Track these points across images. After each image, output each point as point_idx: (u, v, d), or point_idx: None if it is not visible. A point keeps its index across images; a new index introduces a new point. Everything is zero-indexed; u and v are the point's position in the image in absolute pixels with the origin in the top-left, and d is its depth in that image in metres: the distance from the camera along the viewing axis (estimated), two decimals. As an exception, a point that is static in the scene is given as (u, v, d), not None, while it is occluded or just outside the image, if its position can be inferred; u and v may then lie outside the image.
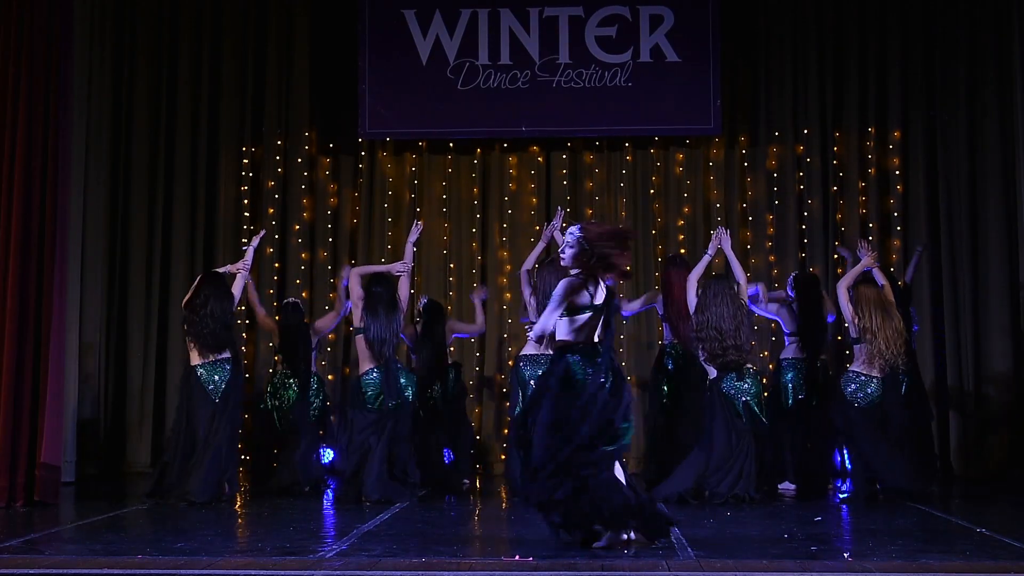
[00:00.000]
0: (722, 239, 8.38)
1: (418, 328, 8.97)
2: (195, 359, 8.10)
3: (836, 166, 10.46)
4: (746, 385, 8.10)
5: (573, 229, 5.93)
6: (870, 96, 10.45)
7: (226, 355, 8.11)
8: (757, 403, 8.10)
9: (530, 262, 8.49)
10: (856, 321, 8.11)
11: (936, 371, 10.05)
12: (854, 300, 8.13)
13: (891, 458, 7.99)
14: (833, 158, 10.46)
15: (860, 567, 5.35)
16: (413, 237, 8.54)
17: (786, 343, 8.80)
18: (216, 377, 8.08)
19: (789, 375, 8.65)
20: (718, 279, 8.23)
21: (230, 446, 8.04)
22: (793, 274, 9.13)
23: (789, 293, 8.79)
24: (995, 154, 10.09)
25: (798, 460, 8.59)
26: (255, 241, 8.52)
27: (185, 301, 8.20)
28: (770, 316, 8.87)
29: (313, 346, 9.01)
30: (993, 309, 10.03)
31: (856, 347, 8.17)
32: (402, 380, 8.16)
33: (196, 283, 8.26)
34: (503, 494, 8.65)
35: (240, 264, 8.37)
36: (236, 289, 8.27)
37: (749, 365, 8.13)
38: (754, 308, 8.56)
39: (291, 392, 8.81)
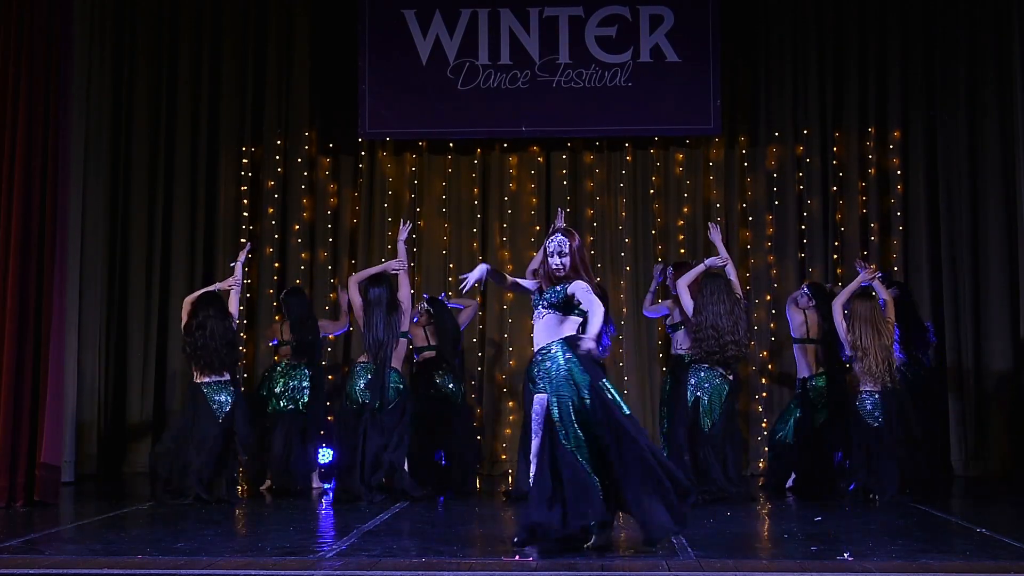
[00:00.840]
0: (713, 236, 8.50)
1: (427, 330, 8.96)
2: (198, 377, 8.14)
3: (836, 166, 10.46)
4: (708, 384, 8.08)
5: (563, 239, 5.99)
6: (870, 96, 10.45)
7: (227, 377, 8.12)
8: (707, 408, 8.06)
9: (536, 262, 8.47)
10: (849, 338, 8.08)
11: (936, 371, 10.03)
12: (848, 317, 8.10)
13: (884, 468, 8.00)
14: (833, 158, 10.45)
15: (860, 567, 5.35)
16: (403, 235, 8.54)
17: (795, 352, 8.78)
18: (220, 398, 8.09)
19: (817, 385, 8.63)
20: (713, 276, 8.23)
21: (222, 452, 8.07)
22: (809, 283, 9.09)
23: (804, 300, 8.75)
24: (995, 154, 10.09)
25: (799, 460, 8.59)
26: (242, 256, 8.52)
27: (183, 325, 8.20)
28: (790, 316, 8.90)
29: (321, 335, 9.00)
30: (993, 309, 10.03)
31: (855, 365, 8.14)
32: (392, 384, 8.16)
33: (191, 306, 8.22)
34: (504, 493, 8.62)
35: (231, 280, 8.34)
36: (232, 307, 8.24)
37: (721, 369, 8.12)
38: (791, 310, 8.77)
39: (300, 382, 8.75)
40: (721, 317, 8.01)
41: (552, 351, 5.86)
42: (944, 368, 10.06)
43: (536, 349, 5.97)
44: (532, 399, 6.13)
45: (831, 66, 10.50)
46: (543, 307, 5.94)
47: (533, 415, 6.03)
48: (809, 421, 8.50)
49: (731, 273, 8.35)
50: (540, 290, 6.01)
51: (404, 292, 8.36)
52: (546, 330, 5.93)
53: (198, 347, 8.04)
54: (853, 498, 7.98)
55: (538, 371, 5.90)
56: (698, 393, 8.10)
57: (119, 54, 10.40)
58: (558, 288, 5.92)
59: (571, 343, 5.84)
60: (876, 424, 8.03)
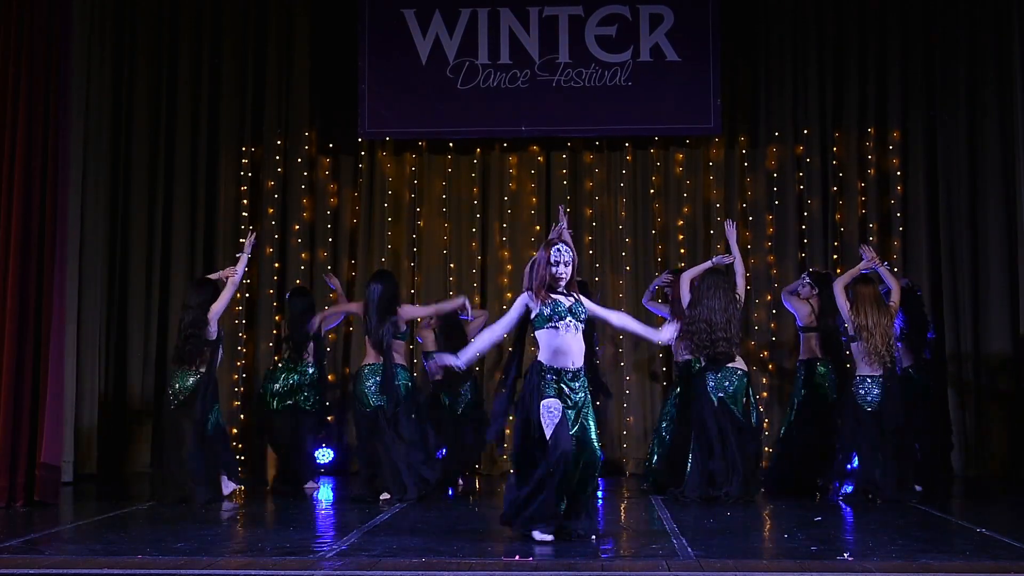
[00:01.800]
0: (728, 232, 8.53)
1: (438, 332, 8.95)
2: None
3: (836, 166, 10.45)
4: (727, 383, 8.10)
5: (566, 249, 6.20)
6: (870, 96, 10.45)
7: (201, 369, 8.06)
8: (733, 402, 8.08)
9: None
10: (853, 319, 8.11)
11: (936, 371, 10.03)
12: (852, 299, 8.13)
13: (885, 466, 7.99)
14: (833, 158, 10.45)
15: (860, 567, 5.36)
16: (464, 310, 8.64)
17: (800, 339, 8.80)
18: (177, 385, 8.09)
19: (821, 371, 8.65)
20: (715, 273, 8.25)
21: (200, 447, 8.02)
22: (811, 270, 9.12)
23: (807, 290, 8.77)
24: (995, 154, 10.09)
25: (799, 455, 8.60)
26: (248, 247, 8.46)
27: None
28: (790, 309, 8.92)
29: (321, 335, 8.98)
30: (993, 309, 10.02)
31: (854, 346, 8.17)
32: (398, 381, 8.17)
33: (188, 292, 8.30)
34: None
35: (229, 270, 8.31)
36: (222, 301, 8.14)
37: (732, 365, 8.11)
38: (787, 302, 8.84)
39: (297, 379, 8.72)
40: (715, 312, 8.03)
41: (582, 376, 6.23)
42: (944, 368, 10.06)
43: (576, 367, 6.15)
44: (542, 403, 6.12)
45: (831, 66, 10.50)
46: (578, 321, 6.15)
47: (550, 416, 6.11)
48: (810, 404, 8.56)
49: (739, 270, 8.36)
50: (543, 303, 6.11)
51: (419, 312, 8.64)
52: (580, 346, 6.19)
53: (181, 338, 8.09)
54: (852, 499, 7.98)
55: (576, 389, 6.15)
56: (720, 394, 8.09)
57: (119, 54, 10.40)
58: (574, 302, 6.16)
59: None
60: (872, 409, 8.03)
